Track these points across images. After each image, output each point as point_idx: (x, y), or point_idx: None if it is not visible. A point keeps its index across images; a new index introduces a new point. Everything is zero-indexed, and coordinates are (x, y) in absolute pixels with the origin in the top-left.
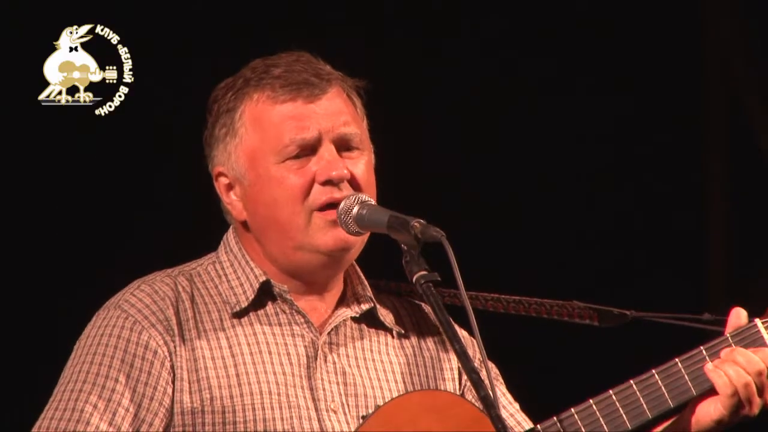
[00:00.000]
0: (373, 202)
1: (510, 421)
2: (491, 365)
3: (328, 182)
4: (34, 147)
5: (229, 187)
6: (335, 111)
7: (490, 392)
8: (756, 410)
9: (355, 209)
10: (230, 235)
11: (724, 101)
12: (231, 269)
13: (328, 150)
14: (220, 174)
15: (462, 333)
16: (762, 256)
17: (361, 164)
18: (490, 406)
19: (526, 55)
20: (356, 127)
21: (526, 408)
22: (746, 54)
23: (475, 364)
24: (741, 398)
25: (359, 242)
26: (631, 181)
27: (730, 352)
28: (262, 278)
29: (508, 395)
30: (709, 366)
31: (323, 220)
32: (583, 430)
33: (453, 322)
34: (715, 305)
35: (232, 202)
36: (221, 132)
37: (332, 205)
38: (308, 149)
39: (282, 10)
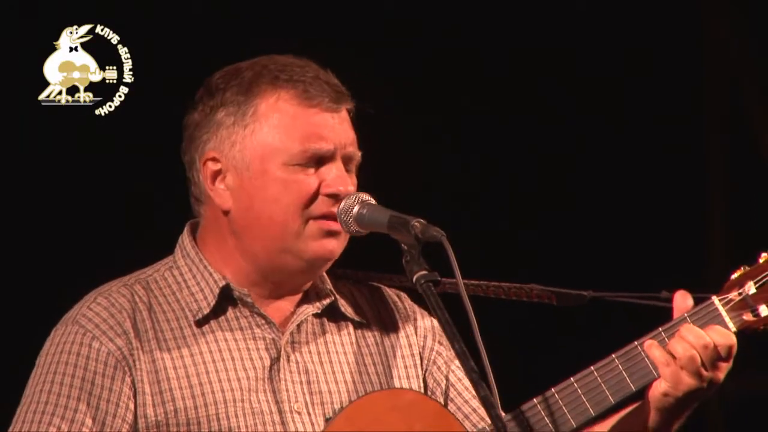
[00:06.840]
0: (374, 201)
1: (480, 413)
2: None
3: (333, 196)
4: (34, 147)
5: (217, 173)
6: (348, 129)
7: (490, 392)
8: (705, 384)
9: (356, 209)
10: (186, 239)
11: (724, 101)
12: (190, 275)
13: (338, 165)
14: (212, 159)
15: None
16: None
17: (353, 187)
18: (490, 406)
19: (524, 57)
20: (357, 151)
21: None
22: (746, 53)
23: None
24: (685, 370)
25: (340, 252)
26: (632, 180)
27: (679, 330)
28: (222, 283)
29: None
30: (647, 342)
31: (318, 228)
32: (548, 419)
33: (452, 322)
34: None
35: (217, 189)
36: (227, 119)
37: (330, 216)
38: (319, 160)
39: (280, 11)
